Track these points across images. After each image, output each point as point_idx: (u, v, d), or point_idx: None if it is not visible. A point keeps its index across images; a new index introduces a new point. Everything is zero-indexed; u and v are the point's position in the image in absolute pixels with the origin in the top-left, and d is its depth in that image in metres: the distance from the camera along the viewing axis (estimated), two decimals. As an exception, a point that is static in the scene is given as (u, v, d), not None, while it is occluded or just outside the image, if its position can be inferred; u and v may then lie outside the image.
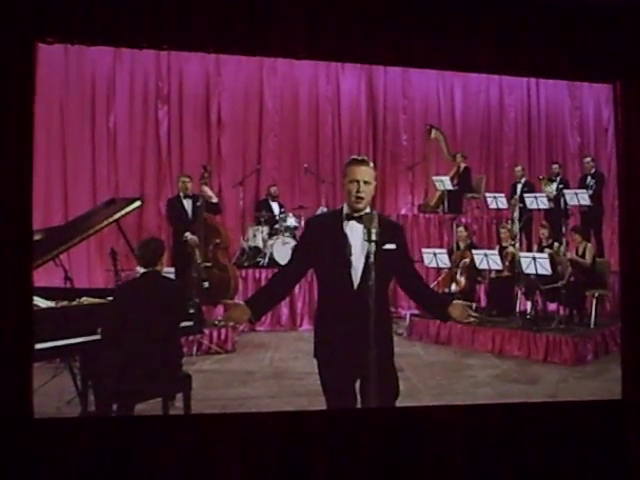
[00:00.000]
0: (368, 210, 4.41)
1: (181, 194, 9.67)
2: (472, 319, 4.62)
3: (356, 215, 4.34)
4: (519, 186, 11.81)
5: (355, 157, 4.56)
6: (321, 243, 4.43)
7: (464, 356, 9.11)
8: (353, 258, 4.31)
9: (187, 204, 9.60)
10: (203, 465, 5.22)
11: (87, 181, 11.08)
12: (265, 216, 11.23)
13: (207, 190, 9.54)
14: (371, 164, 4.47)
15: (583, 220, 11.25)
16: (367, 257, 4.13)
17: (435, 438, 5.57)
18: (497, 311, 9.99)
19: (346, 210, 4.43)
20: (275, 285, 4.76)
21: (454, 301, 4.68)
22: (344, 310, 4.27)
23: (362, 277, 4.25)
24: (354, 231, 4.33)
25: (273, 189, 11.66)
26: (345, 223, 4.38)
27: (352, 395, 4.42)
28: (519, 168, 12.17)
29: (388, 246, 4.36)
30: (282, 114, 12.46)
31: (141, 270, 5.56)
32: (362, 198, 4.36)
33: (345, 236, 4.36)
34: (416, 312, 9.84)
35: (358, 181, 4.35)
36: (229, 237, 9.79)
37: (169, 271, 8.60)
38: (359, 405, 4.44)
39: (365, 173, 4.39)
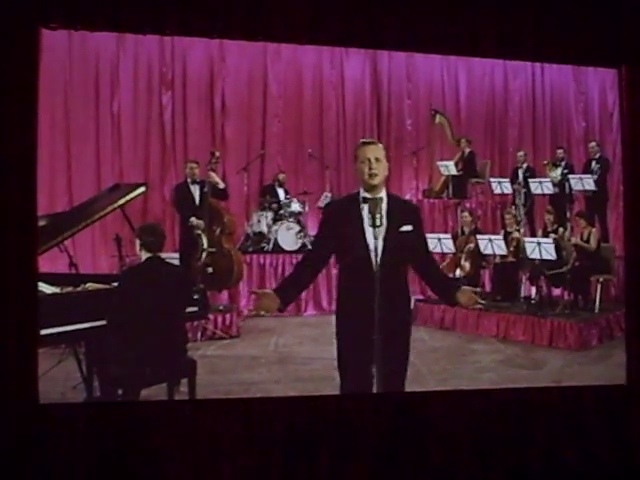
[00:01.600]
0: (384, 191, 4.47)
1: (189, 180, 9.63)
2: (479, 305, 4.63)
3: (370, 197, 4.33)
4: (520, 171, 11.78)
5: (363, 139, 4.65)
6: (340, 228, 4.46)
7: (469, 341, 9.12)
8: (370, 242, 4.31)
9: (194, 190, 9.56)
10: (208, 450, 5.25)
11: (91, 167, 11.06)
12: (269, 201, 11.22)
13: (214, 176, 9.52)
14: (380, 144, 4.53)
15: (588, 205, 11.22)
16: (384, 240, 4.19)
17: (440, 423, 5.59)
18: (502, 296, 9.98)
19: (362, 193, 4.45)
20: (301, 272, 4.76)
21: (463, 287, 4.70)
22: (364, 293, 4.27)
23: (381, 260, 4.26)
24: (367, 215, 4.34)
25: (282, 176, 11.64)
26: (362, 206, 4.38)
27: (368, 377, 4.42)
28: (521, 153, 12.12)
29: (405, 228, 4.42)
30: (286, 99, 12.42)
31: (144, 255, 5.55)
32: (375, 174, 4.40)
33: (362, 219, 4.37)
34: (421, 297, 9.83)
35: (369, 159, 4.40)
36: (234, 222, 9.76)
37: (174, 257, 8.63)
38: (375, 387, 4.44)
39: (375, 151, 4.45)
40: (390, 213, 4.40)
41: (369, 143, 4.52)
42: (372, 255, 4.29)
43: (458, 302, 4.62)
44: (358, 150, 4.50)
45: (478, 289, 4.84)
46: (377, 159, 4.41)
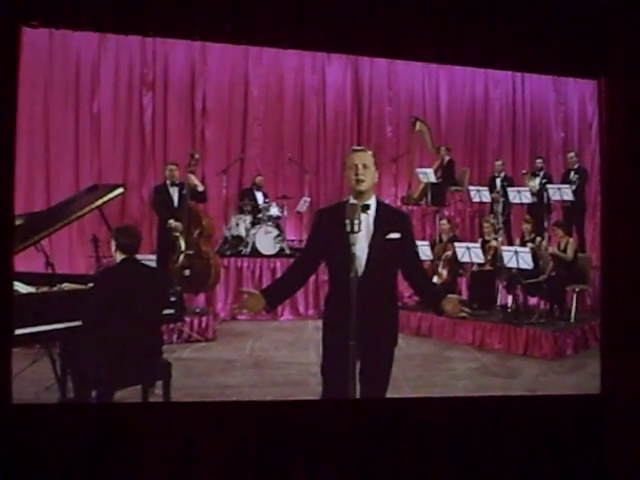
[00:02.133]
0: (373, 198, 4.50)
1: (168, 182, 9.60)
2: (464, 314, 4.65)
3: (354, 204, 4.33)
4: (498, 180, 11.85)
5: (353, 147, 4.72)
6: (328, 234, 4.47)
7: (445, 349, 9.13)
8: (355, 248, 4.32)
9: (173, 192, 9.53)
10: (182, 452, 5.23)
11: (70, 167, 11.01)
12: (248, 205, 11.21)
13: (193, 178, 9.51)
14: (369, 152, 4.55)
15: (565, 215, 11.28)
16: (370, 247, 4.25)
17: (415, 430, 5.59)
18: (478, 304, 10.00)
19: (350, 200, 4.45)
20: (290, 275, 4.82)
21: (448, 295, 4.69)
22: (348, 298, 4.27)
23: (365, 266, 4.26)
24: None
25: (259, 179, 11.64)
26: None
27: (348, 383, 4.42)
28: (499, 162, 12.20)
29: (392, 235, 4.43)
30: (267, 103, 12.43)
31: (120, 257, 5.53)
32: (362, 180, 4.41)
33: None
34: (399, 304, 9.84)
35: (357, 165, 4.43)
36: (212, 225, 9.75)
37: (151, 258, 8.60)
38: (358, 392, 4.44)
39: (362, 157, 4.48)
40: (377, 220, 4.42)
41: (357, 150, 4.55)
42: (356, 261, 4.31)
43: (444, 310, 4.62)
44: (347, 157, 4.55)
45: (464, 297, 4.85)
46: (365, 165, 4.44)
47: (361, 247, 4.30)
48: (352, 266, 4.22)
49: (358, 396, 4.43)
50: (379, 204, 4.53)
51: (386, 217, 4.47)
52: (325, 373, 4.60)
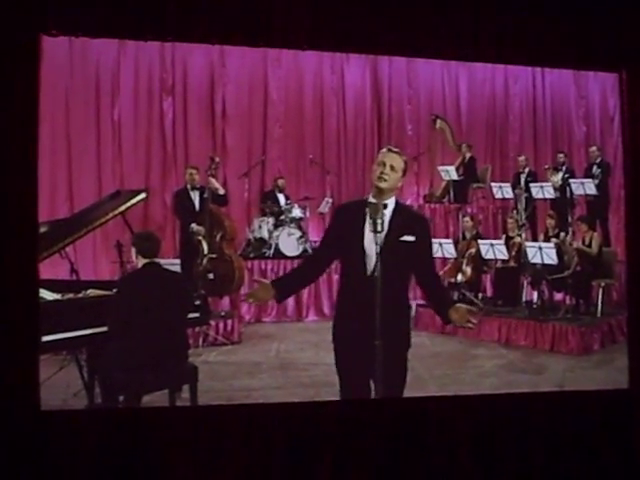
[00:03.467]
0: (392, 199, 4.45)
1: (188, 186, 9.62)
2: (470, 325, 4.57)
3: (374, 202, 4.32)
4: (522, 176, 11.81)
5: (389, 146, 4.62)
6: (345, 231, 4.47)
7: (470, 346, 9.11)
8: (367, 247, 4.31)
9: (194, 196, 9.56)
10: (209, 456, 5.23)
11: (92, 173, 11.08)
12: (271, 207, 11.24)
13: (214, 182, 9.52)
14: (403, 157, 4.48)
15: (589, 209, 11.23)
16: (381, 247, 4.14)
17: (441, 428, 5.57)
18: (503, 301, 9.99)
19: (369, 199, 4.43)
20: (304, 267, 4.87)
21: (457, 304, 4.63)
22: (358, 298, 4.27)
23: (376, 266, 4.25)
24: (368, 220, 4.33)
25: (281, 181, 11.66)
26: (366, 211, 4.39)
27: (366, 382, 4.42)
28: (522, 158, 12.16)
29: (406, 238, 4.38)
30: (287, 105, 12.44)
31: (141, 262, 5.56)
32: (384, 179, 4.37)
33: (364, 224, 4.36)
34: (422, 302, 9.81)
35: (384, 163, 4.38)
36: (234, 228, 9.76)
37: (175, 263, 8.63)
38: (373, 393, 4.43)
39: (393, 159, 4.42)
40: (393, 221, 4.38)
41: (392, 151, 4.49)
42: (367, 261, 4.30)
43: (451, 319, 4.55)
44: (380, 153, 4.51)
45: (474, 308, 4.76)
46: (392, 167, 4.38)
47: (370, 247, 4.29)
48: (370, 265, 4.24)
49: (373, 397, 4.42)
50: (397, 205, 4.49)
51: (402, 219, 4.41)
52: (340, 374, 4.56)
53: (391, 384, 4.45)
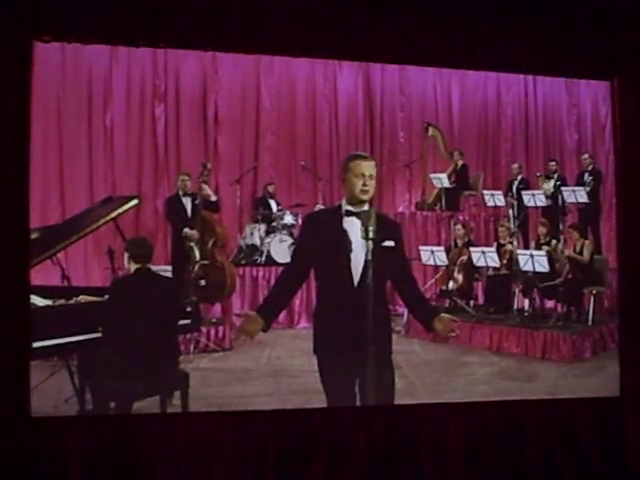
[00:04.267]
0: (367, 207, 4.43)
1: (180, 192, 9.60)
2: (453, 334, 4.56)
3: (356, 211, 4.33)
4: (515, 183, 11.82)
5: (359, 153, 4.61)
6: (320, 240, 4.43)
7: (462, 354, 9.09)
8: (353, 255, 4.30)
9: (186, 202, 9.53)
10: (201, 463, 5.23)
11: (84, 179, 11.03)
12: (262, 214, 11.22)
13: (206, 188, 9.49)
14: (374, 161, 4.50)
15: (581, 217, 11.24)
16: (367, 254, 4.10)
17: (433, 436, 5.58)
18: (495, 308, 9.98)
19: (345, 206, 4.43)
20: (280, 289, 4.73)
21: (441, 314, 4.62)
22: (344, 307, 4.26)
23: (362, 274, 4.24)
24: (354, 227, 4.32)
25: (271, 187, 11.64)
26: (345, 219, 4.38)
27: (351, 392, 4.42)
28: (515, 165, 12.17)
29: (387, 243, 4.38)
30: (279, 112, 12.42)
31: (133, 267, 5.56)
32: (368, 191, 4.39)
33: (345, 232, 4.35)
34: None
35: (364, 175, 4.38)
36: (226, 235, 9.75)
37: (166, 269, 8.61)
38: (358, 402, 4.43)
39: (371, 168, 4.43)
40: (377, 227, 4.37)
41: (365, 158, 4.48)
42: (354, 269, 4.30)
43: (435, 328, 4.55)
44: (352, 162, 4.45)
45: (457, 318, 4.74)
46: (371, 176, 4.40)
47: (357, 254, 4.29)
48: (351, 273, 4.27)
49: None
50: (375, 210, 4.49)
51: (381, 224, 4.31)
52: (328, 384, 4.56)
53: (384, 390, 4.45)
